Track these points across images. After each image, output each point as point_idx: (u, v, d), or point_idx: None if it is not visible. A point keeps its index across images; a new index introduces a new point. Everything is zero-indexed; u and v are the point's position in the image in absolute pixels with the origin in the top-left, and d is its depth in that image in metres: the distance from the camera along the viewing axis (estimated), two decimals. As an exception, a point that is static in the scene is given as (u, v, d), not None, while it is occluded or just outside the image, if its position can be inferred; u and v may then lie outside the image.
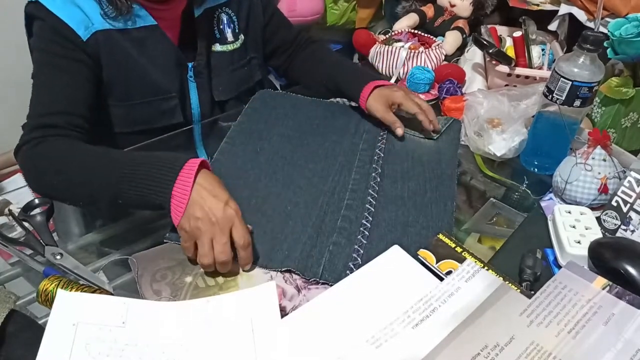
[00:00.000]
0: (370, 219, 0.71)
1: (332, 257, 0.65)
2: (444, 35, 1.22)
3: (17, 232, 0.69)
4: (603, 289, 0.57)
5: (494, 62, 1.05)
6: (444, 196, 0.76)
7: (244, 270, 0.63)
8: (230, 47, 0.96)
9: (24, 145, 0.70)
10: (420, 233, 0.69)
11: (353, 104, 0.98)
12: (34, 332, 0.55)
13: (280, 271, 0.63)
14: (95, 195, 0.66)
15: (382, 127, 0.91)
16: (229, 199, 0.62)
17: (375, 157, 0.83)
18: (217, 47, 0.94)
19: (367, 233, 0.68)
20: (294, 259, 0.64)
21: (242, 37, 0.97)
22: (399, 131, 0.87)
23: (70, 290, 0.56)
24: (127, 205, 0.68)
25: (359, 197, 0.74)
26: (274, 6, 1.05)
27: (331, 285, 0.61)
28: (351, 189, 0.76)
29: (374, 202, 0.73)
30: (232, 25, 0.96)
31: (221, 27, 0.94)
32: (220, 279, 0.62)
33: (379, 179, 0.78)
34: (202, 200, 0.60)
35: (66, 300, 0.54)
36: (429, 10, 1.31)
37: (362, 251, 0.66)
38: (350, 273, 0.62)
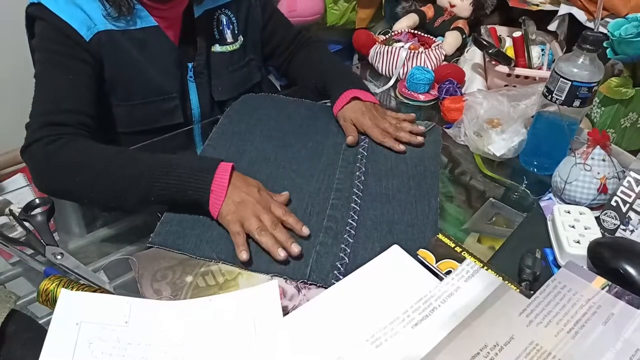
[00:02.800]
0: (356, 217, 0.71)
1: (319, 257, 0.65)
2: (443, 36, 1.22)
3: (17, 232, 0.69)
4: (602, 288, 0.57)
5: (493, 62, 1.05)
6: (427, 194, 0.76)
7: (302, 235, 0.67)
8: (229, 48, 0.96)
9: (34, 143, 0.70)
10: (407, 231, 0.69)
11: None
12: (35, 332, 0.55)
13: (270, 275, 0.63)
14: (123, 194, 0.68)
15: None
16: (261, 186, 0.70)
17: (359, 156, 0.83)
18: (217, 48, 0.95)
19: (353, 232, 0.69)
20: (279, 263, 0.64)
21: (241, 38, 0.98)
22: (349, 139, 0.85)
23: (72, 290, 0.56)
24: (158, 202, 0.69)
25: (344, 196, 0.75)
26: (273, 7, 1.05)
27: (323, 287, 0.61)
28: (336, 188, 0.76)
29: (359, 201, 0.74)
30: (231, 27, 0.96)
31: (221, 28, 0.95)
32: (220, 279, 0.62)
33: (363, 178, 0.78)
34: (238, 190, 0.67)
35: (70, 300, 0.55)
36: (428, 10, 1.31)
37: (349, 250, 0.66)
38: (338, 273, 0.63)
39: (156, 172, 0.67)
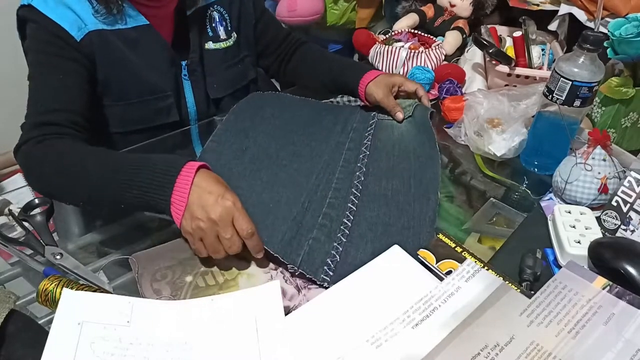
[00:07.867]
0: (352, 217, 0.71)
1: (311, 251, 0.65)
2: (444, 35, 1.22)
3: (17, 232, 0.69)
4: (603, 288, 0.57)
5: (494, 62, 1.05)
6: (427, 191, 0.76)
7: (256, 256, 0.62)
8: (223, 45, 0.96)
9: (23, 144, 0.70)
10: (402, 233, 0.69)
11: (342, 103, 0.98)
12: (34, 332, 0.55)
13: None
14: (96, 199, 0.66)
15: (369, 126, 0.91)
16: (225, 191, 0.61)
17: (361, 156, 0.83)
18: (210, 45, 0.95)
19: (347, 232, 0.69)
20: (273, 244, 0.64)
21: (234, 35, 0.98)
22: (399, 115, 0.90)
23: (72, 290, 0.56)
24: (130, 209, 0.70)
25: (342, 196, 0.75)
26: (263, 5, 1.06)
27: (323, 287, 0.61)
28: (334, 187, 0.76)
29: (357, 202, 0.74)
30: (224, 23, 0.96)
31: (214, 25, 0.95)
32: (220, 279, 0.62)
33: (362, 178, 0.78)
34: (199, 200, 0.60)
35: (71, 300, 0.54)
36: (429, 10, 1.31)
37: (340, 249, 0.66)
38: (328, 269, 0.63)
39: (120, 180, 0.63)
